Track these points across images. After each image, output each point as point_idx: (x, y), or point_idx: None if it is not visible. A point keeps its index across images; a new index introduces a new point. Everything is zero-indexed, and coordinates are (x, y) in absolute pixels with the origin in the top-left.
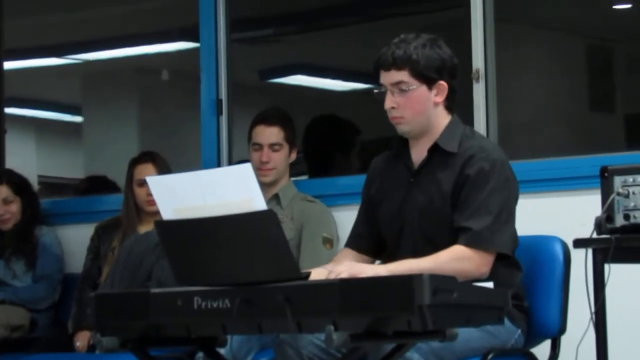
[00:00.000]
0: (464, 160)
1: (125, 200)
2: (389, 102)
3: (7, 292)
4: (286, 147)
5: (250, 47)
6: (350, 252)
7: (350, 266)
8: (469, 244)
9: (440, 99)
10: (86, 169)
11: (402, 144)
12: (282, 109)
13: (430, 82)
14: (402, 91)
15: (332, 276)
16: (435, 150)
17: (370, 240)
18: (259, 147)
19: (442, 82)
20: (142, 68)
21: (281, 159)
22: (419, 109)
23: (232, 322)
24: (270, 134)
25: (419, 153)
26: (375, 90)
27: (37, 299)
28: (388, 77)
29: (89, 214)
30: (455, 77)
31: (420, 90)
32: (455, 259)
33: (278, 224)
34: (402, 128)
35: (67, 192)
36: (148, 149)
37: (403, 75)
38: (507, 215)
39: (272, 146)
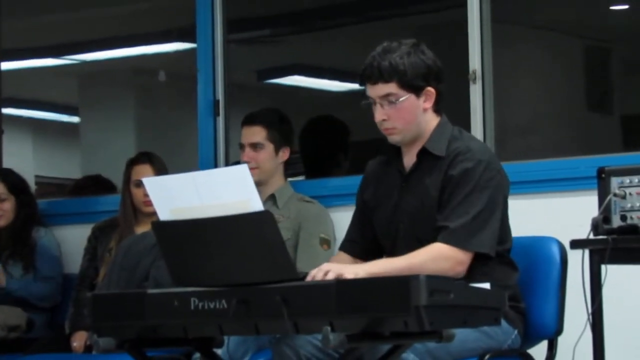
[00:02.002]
0: (448, 162)
1: (123, 200)
2: (379, 115)
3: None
4: (270, 147)
5: (247, 47)
6: (345, 256)
7: (331, 267)
8: (445, 242)
9: (429, 104)
10: (83, 169)
11: (394, 149)
12: (273, 109)
13: (418, 90)
14: (391, 103)
15: (320, 275)
16: (424, 154)
17: (363, 246)
18: (243, 147)
19: (430, 88)
20: (139, 69)
21: (265, 158)
22: (409, 119)
23: (229, 322)
24: (251, 133)
25: (410, 158)
26: (363, 102)
27: (35, 296)
28: (376, 90)
29: (86, 214)
30: (441, 80)
31: (409, 99)
32: (431, 259)
33: (275, 224)
34: (395, 138)
35: (64, 192)
36: (145, 150)
37: (391, 87)
38: (488, 214)
39: (253, 146)
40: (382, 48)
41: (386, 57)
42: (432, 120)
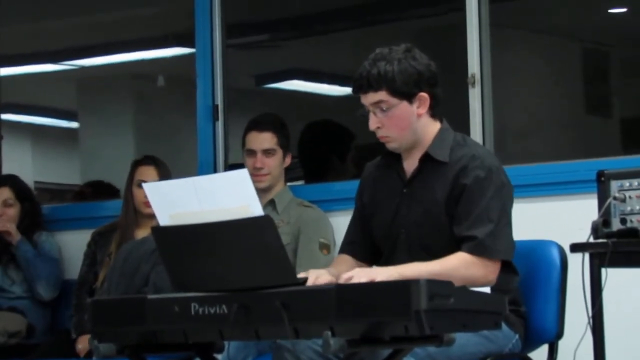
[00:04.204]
0: (457, 170)
1: (125, 202)
2: (373, 123)
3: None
4: (280, 153)
5: (245, 52)
6: (348, 259)
7: (361, 271)
8: (473, 252)
9: (424, 110)
10: (82, 174)
11: (393, 154)
12: (275, 115)
13: (410, 97)
14: (383, 110)
15: (351, 280)
16: (427, 159)
17: (365, 248)
18: (253, 153)
19: (422, 94)
20: (137, 74)
21: (275, 164)
22: (403, 125)
23: (229, 328)
24: (263, 139)
25: (411, 163)
26: (359, 112)
27: (39, 274)
28: (367, 99)
29: (86, 220)
30: (436, 84)
31: (401, 106)
32: (463, 266)
33: (275, 229)
34: (391, 145)
35: (63, 197)
36: (144, 154)
37: (381, 96)
38: (505, 220)
39: (265, 152)
40: (373, 56)
41: (376, 66)
42: (429, 126)
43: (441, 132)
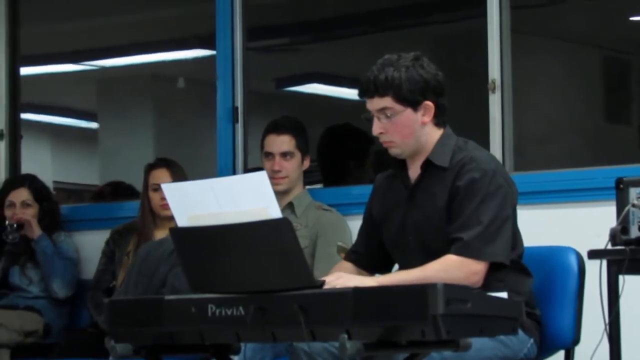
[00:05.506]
0: (455, 173)
1: (141, 205)
2: (376, 129)
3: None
4: (298, 155)
5: (266, 55)
6: (348, 265)
7: (339, 276)
8: (458, 254)
9: (428, 118)
10: (101, 175)
11: (399, 162)
12: (293, 117)
13: (415, 105)
14: (388, 117)
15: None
16: (428, 166)
17: (366, 257)
18: (271, 156)
19: (428, 102)
20: (158, 75)
21: (293, 167)
22: (406, 132)
23: (246, 330)
24: (281, 142)
25: (414, 170)
26: (363, 115)
27: (55, 271)
28: (372, 104)
29: (105, 220)
30: (442, 94)
31: (405, 114)
32: (443, 269)
33: (293, 232)
34: (394, 151)
35: (82, 197)
36: (163, 156)
37: (386, 102)
38: (500, 223)
39: (283, 155)
40: (381, 61)
41: (383, 72)
42: (433, 133)
43: (442, 137)
